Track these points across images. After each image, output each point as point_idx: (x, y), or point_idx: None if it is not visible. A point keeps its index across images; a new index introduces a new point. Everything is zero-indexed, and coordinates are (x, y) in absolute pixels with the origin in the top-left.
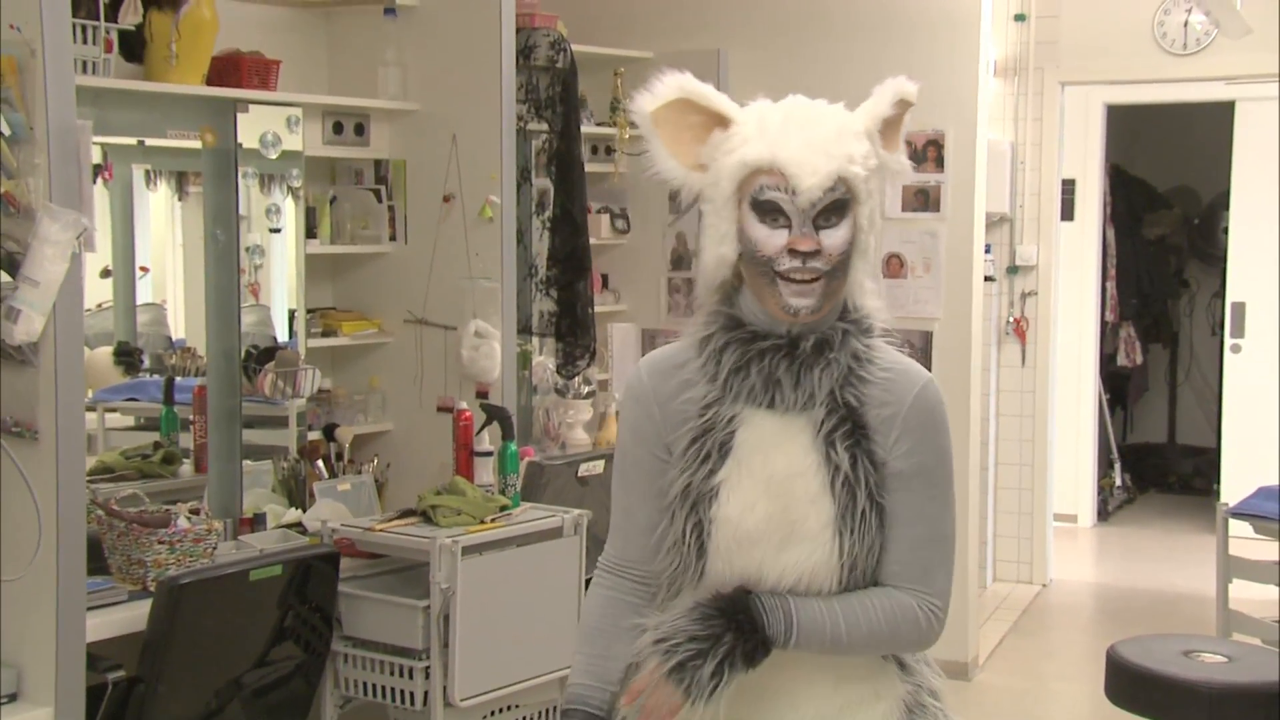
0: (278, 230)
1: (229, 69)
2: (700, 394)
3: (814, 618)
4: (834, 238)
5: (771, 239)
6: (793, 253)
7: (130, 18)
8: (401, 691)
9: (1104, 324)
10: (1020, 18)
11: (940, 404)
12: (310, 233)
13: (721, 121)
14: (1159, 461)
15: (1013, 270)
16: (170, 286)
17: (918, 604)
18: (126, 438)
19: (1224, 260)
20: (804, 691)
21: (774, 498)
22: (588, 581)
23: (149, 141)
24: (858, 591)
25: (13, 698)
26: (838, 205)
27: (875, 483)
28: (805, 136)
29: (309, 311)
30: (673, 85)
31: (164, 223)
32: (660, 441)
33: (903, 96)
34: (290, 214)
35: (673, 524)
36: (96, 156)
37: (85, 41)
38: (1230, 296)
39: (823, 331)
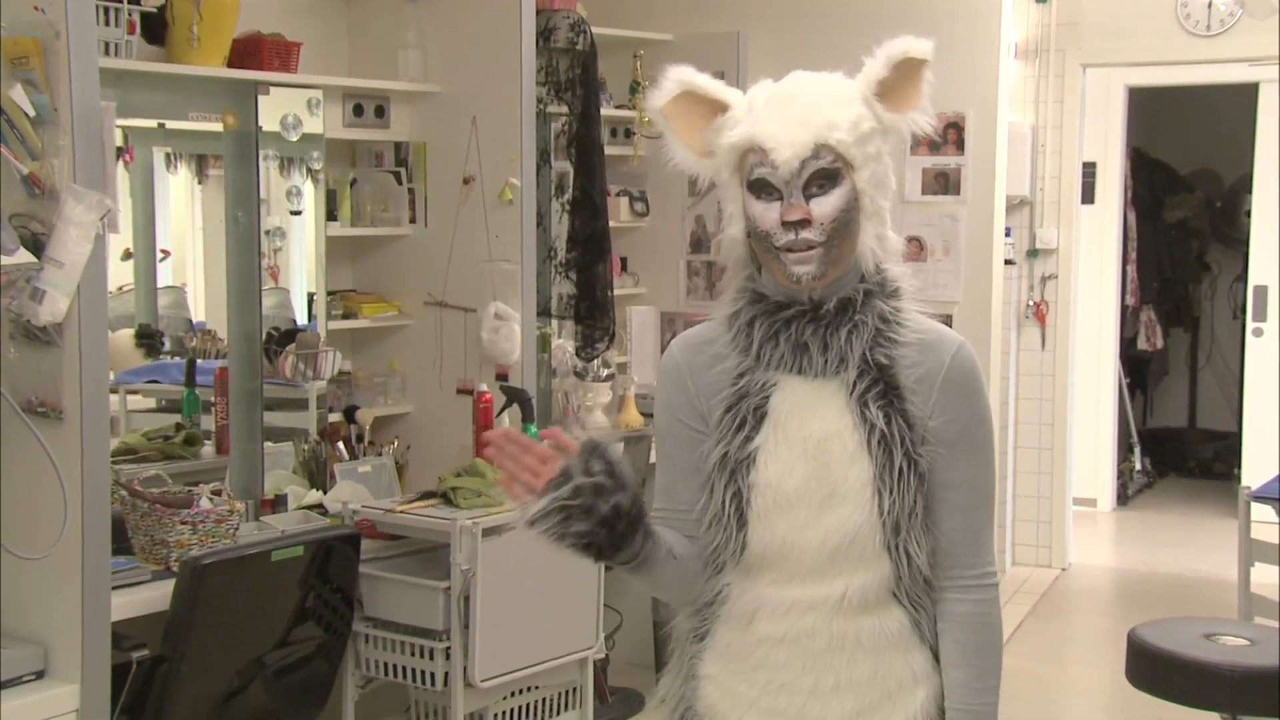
0: (298, 213)
1: (250, 51)
2: (732, 365)
3: (988, 710)
4: (825, 205)
5: (767, 214)
6: (786, 225)
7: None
8: (422, 672)
9: (1124, 308)
10: None
11: (976, 366)
12: (330, 215)
13: (721, 108)
14: (1179, 446)
15: (1033, 254)
16: (191, 269)
17: (985, 596)
18: (148, 419)
19: (1246, 244)
20: (845, 681)
21: (811, 459)
22: (608, 565)
23: (169, 124)
24: (962, 637)
25: (39, 675)
26: (826, 172)
27: (911, 441)
28: (782, 112)
29: (329, 294)
30: (674, 79)
31: (184, 206)
32: (695, 412)
33: (905, 56)
34: (310, 196)
35: (711, 496)
36: (118, 139)
37: (108, 23)
38: (1252, 280)
39: (844, 294)
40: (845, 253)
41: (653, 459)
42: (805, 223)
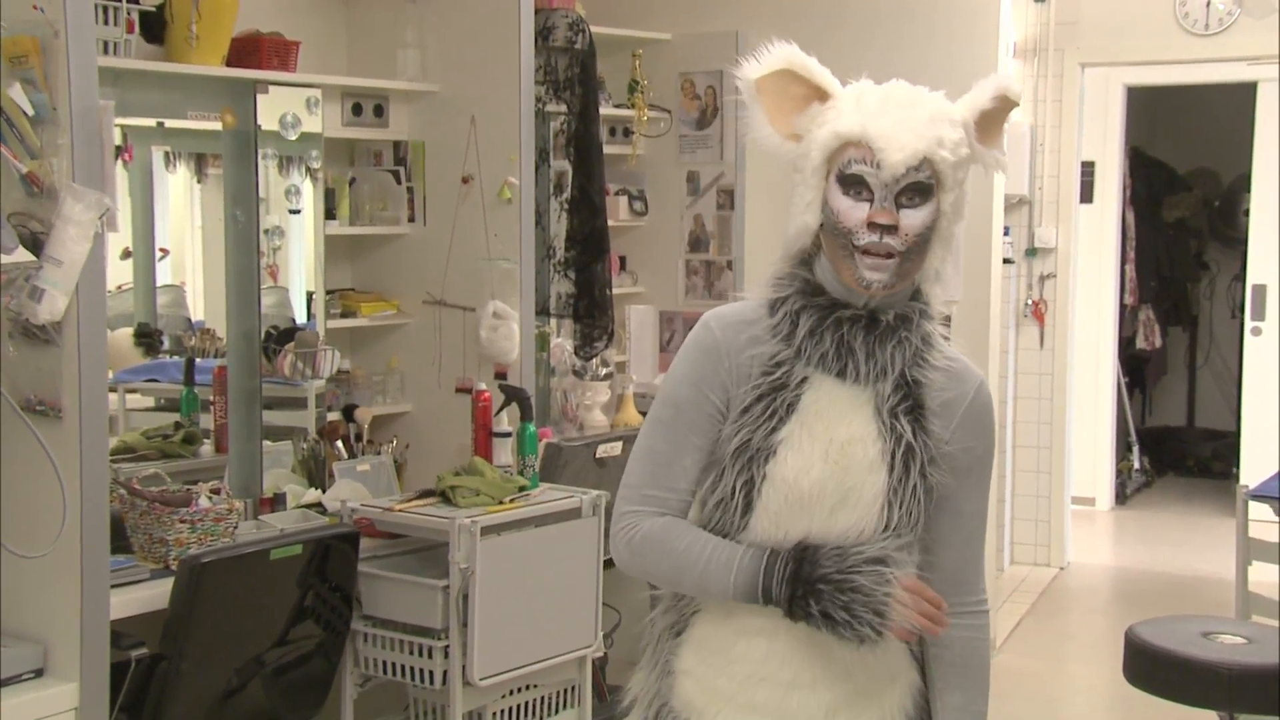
0: (297, 212)
1: (249, 50)
2: (769, 352)
3: None
4: (913, 218)
5: (853, 211)
6: (872, 227)
7: None
8: (421, 670)
9: (1123, 307)
10: None
11: (992, 403)
12: (329, 214)
13: (821, 95)
14: (1178, 444)
15: (1031, 253)
16: (190, 268)
17: (978, 623)
18: (147, 418)
19: (1244, 242)
20: (823, 675)
21: (832, 461)
22: (607, 562)
23: (168, 123)
24: (956, 660)
25: (39, 673)
26: (921, 187)
27: (927, 460)
28: (899, 115)
29: (328, 292)
30: (779, 55)
31: (183, 205)
32: (724, 392)
33: (1004, 93)
34: (309, 195)
35: (721, 480)
36: (117, 138)
37: (107, 22)
38: (1250, 279)
39: (901, 308)
40: (915, 269)
41: None
42: (892, 229)
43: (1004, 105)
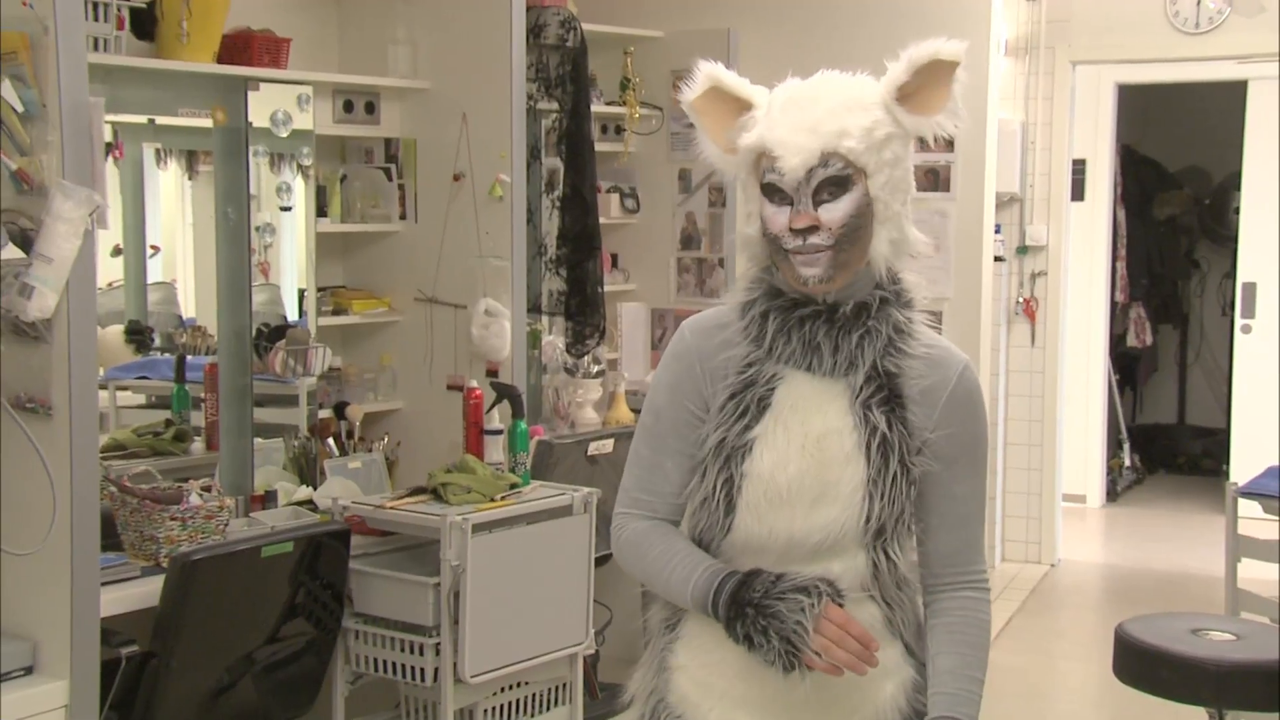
0: (288, 209)
1: (240, 47)
2: (742, 353)
3: (973, 698)
4: (834, 212)
5: (777, 217)
6: (794, 231)
7: None
8: (412, 668)
9: (1114, 304)
10: None
11: (979, 386)
12: (321, 211)
13: (745, 106)
14: (1168, 442)
15: (1022, 250)
16: (181, 265)
17: (977, 595)
18: (138, 415)
19: (1235, 240)
20: (813, 672)
21: (808, 455)
22: (598, 560)
23: (159, 120)
24: (952, 626)
25: (28, 671)
26: (836, 180)
27: (907, 448)
28: (794, 118)
29: (319, 290)
30: (705, 74)
31: (174, 202)
32: (700, 397)
33: (932, 59)
34: (301, 193)
35: (703, 480)
36: (108, 135)
37: (97, 19)
38: (1241, 277)
39: (860, 298)
40: (855, 257)
41: None
42: (814, 229)
43: (938, 70)
